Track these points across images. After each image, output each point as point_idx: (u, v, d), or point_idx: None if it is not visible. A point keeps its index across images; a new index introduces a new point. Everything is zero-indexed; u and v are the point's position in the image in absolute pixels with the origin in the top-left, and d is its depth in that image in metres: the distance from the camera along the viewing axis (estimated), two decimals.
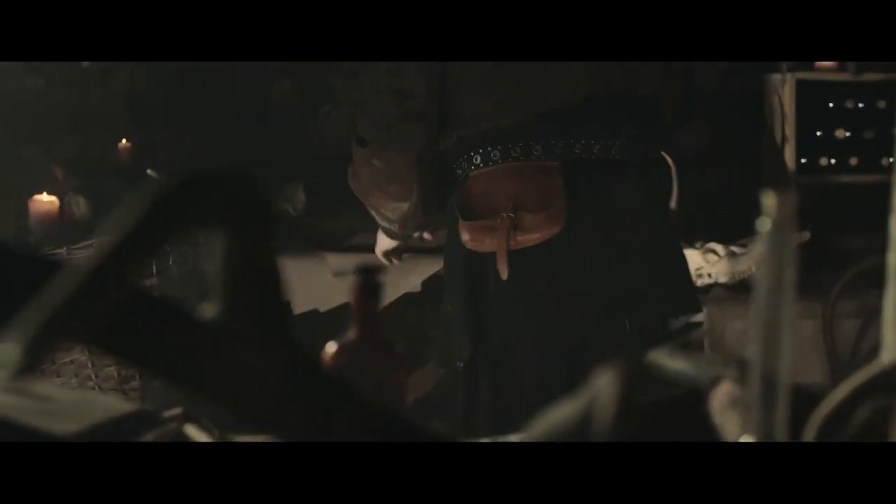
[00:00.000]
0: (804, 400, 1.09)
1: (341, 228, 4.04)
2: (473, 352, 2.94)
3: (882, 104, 3.92)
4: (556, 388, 1.64)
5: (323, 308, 3.76)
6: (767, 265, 0.94)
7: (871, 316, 3.65)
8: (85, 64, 4.27)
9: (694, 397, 1.13)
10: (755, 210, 1.03)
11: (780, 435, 0.97)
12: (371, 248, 3.86)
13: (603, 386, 0.94)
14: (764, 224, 0.94)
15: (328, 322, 3.74)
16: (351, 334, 1.38)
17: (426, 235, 3.26)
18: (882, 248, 1.23)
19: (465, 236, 2.95)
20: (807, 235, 3.83)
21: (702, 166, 4.04)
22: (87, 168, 4.10)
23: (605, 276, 2.93)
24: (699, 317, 3.49)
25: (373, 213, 3.19)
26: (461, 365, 2.97)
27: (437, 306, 3.26)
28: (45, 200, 3.90)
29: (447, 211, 3.04)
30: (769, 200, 0.93)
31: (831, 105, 4.02)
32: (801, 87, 4.01)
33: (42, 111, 4.20)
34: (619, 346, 2.84)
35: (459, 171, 3.03)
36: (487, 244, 2.92)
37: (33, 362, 0.71)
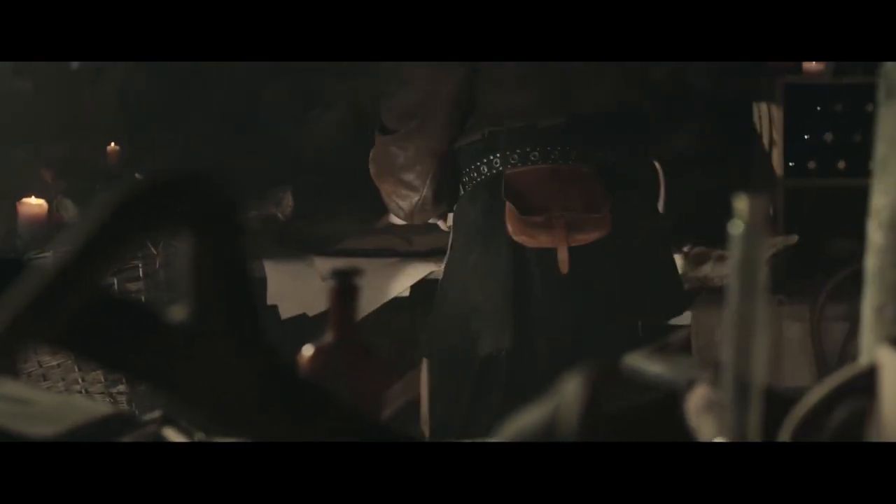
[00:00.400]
0: (780, 402, 1.10)
1: (330, 232, 4.04)
2: (516, 343, 2.96)
3: (870, 107, 3.92)
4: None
5: (311, 312, 3.76)
6: (740, 268, 0.94)
7: (860, 319, 3.65)
8: (74, 65, 4.27)
9: (671, 400, 1.13)
10: None
11: (754, 437, 0.98)
12: (360, 253, 3.87)
13: (568, 392, 0.95)
14: (736, 227, 0.95)
15: (316, 326, 3.73)
16: (328, 338, 1.38)
17: (440, 224, 3.32)
18: None
19: (516, 230, 2.98)
20: (795, 238, 3.84)
21: (690, 169, 4.05)
22: (75, 171, 4.10)
23: (631, 276, 3.01)
24: (684, 320, 3.51)
25: (385, 198, 3.23)
26: (501, 355, 2.98)
27: (426, 310, 3.26)
28: (34, 203, 3.89)
29: (479, 207, 3.05)
30: (741, 204, 0.94)
31: (819, 109, 4.03)
32: (790, 90, 4.02)
33: (31, 114, 4.20)
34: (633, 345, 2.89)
35: (486, 168, 3.05)
36: (542, 241, 2.97)
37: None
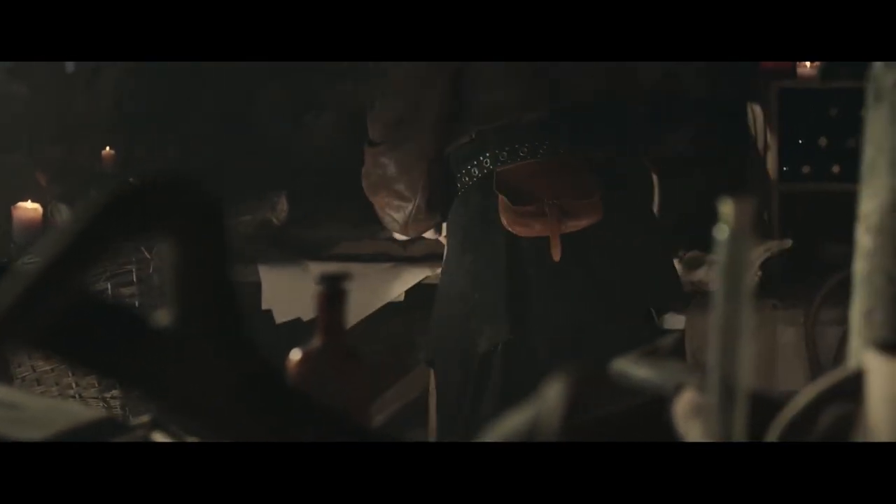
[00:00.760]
0: (768, 406, 1.10)
1: (325, 237, 4.05)
2: (514, 334, 2.96)
3: (864, 112, 3.91)
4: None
5: (306, 317, 3.75)
6: (725, 272, 0.94)
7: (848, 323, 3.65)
8: (70, 69, 4.27)
9: (658, 405, 1.13)
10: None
11: (740, 440, 0.98)
12: (354, 258, 3.86)
13: (549, 397, 0.95)
14: (721, 231, 0.95)
15: (311, 331, 3.73)
16: (316, 342, 1.38)
17: (439, 239, 3.33)
18: None
19: (510, 221, 2.98)
20: (789, 243, 3.84)
21: (685, 173, 4.06)
22: (71, 175, 4.10)
23: (627, 267, 3.02)
24: (678, 324, 3.51)
25: (379, 213, 3.24)
26: (498, 348, 2.98)
27: (421, 314, 3.27)
28: (29, 208, 3.90)
29: (472, 208, 3.06)
30: (726, 208, 0.94)
31: (813, 113, 4.03)
32: (784, 95, 4.02)
33: (26, 118, 4.20)
34: (639, 335, 2.91)
35: (477, 170, 3.06)
36: (536, 229, 2.98)
37: None
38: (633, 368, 1.18)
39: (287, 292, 3.79)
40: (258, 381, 0.89)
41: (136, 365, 0.85)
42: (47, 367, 3.37)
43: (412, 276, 3.83)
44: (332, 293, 1.35)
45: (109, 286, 3.47)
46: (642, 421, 1.13)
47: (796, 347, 3.72)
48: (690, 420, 1.09)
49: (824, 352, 3.72)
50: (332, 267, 3.68)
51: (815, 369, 3.69)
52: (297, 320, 3.76)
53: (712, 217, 0.95)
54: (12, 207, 3.89)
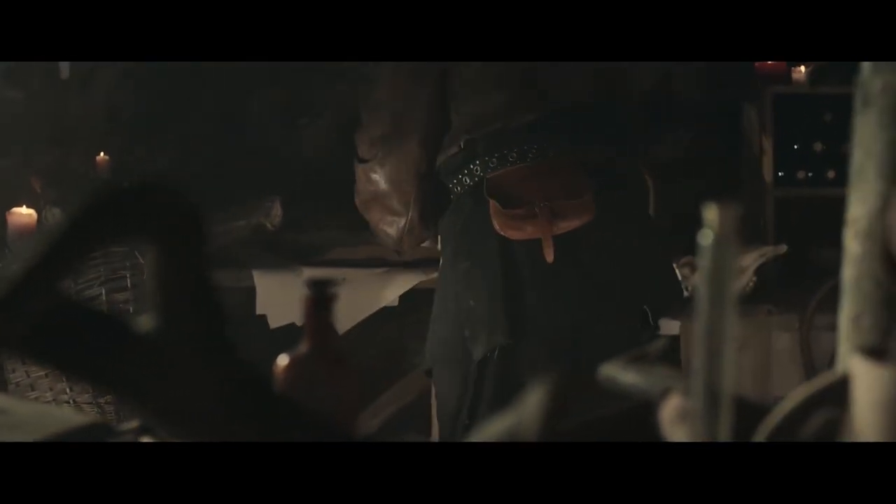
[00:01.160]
0: (754, 412, 1.10)
1: (319, 242, 4.04)
2: (510, 338, 2.96)
3: None
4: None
5: (301, 322, 3.75)
6: (709, 278, 0.94)
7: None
8: (64, 74, 4.27)
9: (645, 410, 1.13)
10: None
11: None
12: (348, 263, 3.87)
13: (530, 404, 0.94)
14: (706, 237, 0.95)
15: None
16: (303, 347, 1.38)
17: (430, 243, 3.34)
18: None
19: (502, 225, 2.98)
20: (784, 248, 3.84)
21: (680, 178, 4.06)
22: (65, 181, 4.09)
23: (622, 267, 3.02)
24: (673, 329, 3.51)
25: (373, 229, 3.25)
26: (495, 353, 2.98)
27: (415, 319, 3.27)
28: (24, 213, 3.89)
29: (464, 215, 3.06)
30: (710, 214, 0.94)
31: (808, 118, 4.03)
32: (779, 100, 4.02)
33: (20, 123, 4.20)
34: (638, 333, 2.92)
35: (468, 179, 3.06)
36: (528, 231, 2.98)
37: None
38: (621, 373, 1.18)
39: (281, 297, 3.79)
40: (242, 386, 0.88)
41: (118, 370, 0.85)
42: (41, 373, 3.36)
43: (406, 281, 3.83)
44: (320, 298, 1.35)
45: (104, 291, 3.47)
46: (629, 425, 1.13)
47: (791, 353, 3.71)
48: (676, 425, 1.09)
49: (819, 357, 3.72)
50: (326, 272, 3.68)
51: (811, 375, 3.69)
52: (292, 325, 3.76)
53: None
54: (7, 213, 3.88)
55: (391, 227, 3.20)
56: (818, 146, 4.02)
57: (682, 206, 3.80)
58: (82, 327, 0.82)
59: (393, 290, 3.85)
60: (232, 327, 0.86)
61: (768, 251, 3.80)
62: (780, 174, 4.04)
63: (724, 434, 0.96)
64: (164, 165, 4.29)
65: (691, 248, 3.59)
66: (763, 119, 4.05)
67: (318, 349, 1.36)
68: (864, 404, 1.01)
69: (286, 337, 3.71)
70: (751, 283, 3.75)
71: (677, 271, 3.76)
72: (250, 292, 3.84)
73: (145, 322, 0.85)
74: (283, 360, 1.38)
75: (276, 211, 4.01)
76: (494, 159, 3.04)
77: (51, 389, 3.41)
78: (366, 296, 3.79)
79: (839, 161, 3.98)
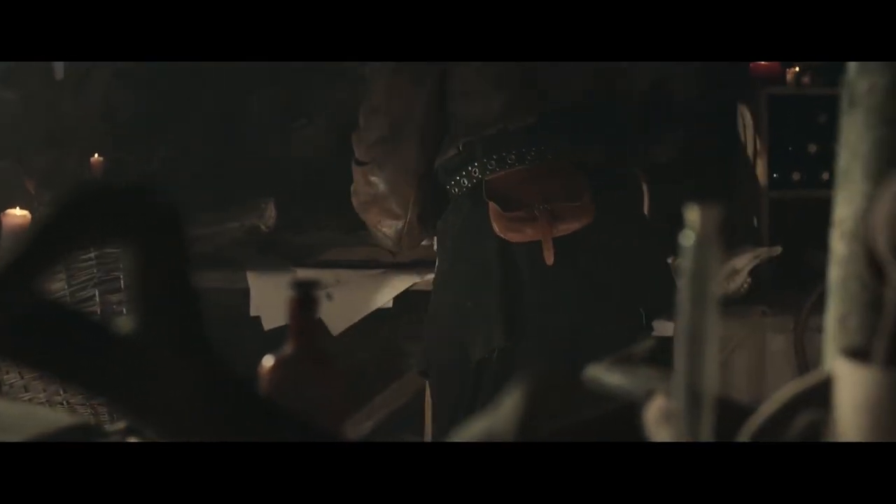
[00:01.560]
0: (736, 412, 1.09)
1: (314, 243, 4.05)
2: (509, 340, 2.96)
3: None
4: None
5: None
6: (691, 279, 0.94)
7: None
8: (59, 76, 4.27)
9: (629, 411, 1.13)
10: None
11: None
12: (343, 264, 3.87)
13: (504, 406, 0.94)
14: (687, 238, 0.94)
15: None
16: (288, 348, 1.38)
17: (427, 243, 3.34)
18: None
19: (502, 228, 2.98)
20: (778, 250, 3.84)
21: (673, 179, 4.06)
22: (59, 182, 4.10)
23: (621, 269, 3.02)
24: (667, 331, 3.51)
25: (371, 230, 3.25)
26: (494, 355, 2.98)
27: (410, 320, 3.26)
28: (18, 215, 3.89)
29: (462, 217, 3.06)
30: (692, 215, 0.94)
31: (803, 120, 4.03)
32: (773, 101, 4.02)
33: (14, 125, 4.20)
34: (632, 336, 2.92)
35: (466, 181, 3.06)
36: (528, 234, 2.98)
37: None
38: (606, 375, 1.18)
39: (275, 298, 3.78)
40: (222, 386, 0.88)
41: (98, 372, 0.85)
42: (35, 374, 3.36)
43: (401, 283, 3.83)
44: (304, 299, 1.35)
45: (97, 293, 3.47)
46: (613, 427, 1.13)
47: (786, 354, 3.71)
48: (661, 425, 1.09)
49: (814, 359, 3.72)
50: (321, 273, 3.68)
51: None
52: (286, 327, 3.76)
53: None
54: (1, 214, 3.88)
55: (389, 228, 3.20)
56: (812, 148, 4.02)
57: (677, 206, 3.80)
58: (61, 328, 0.82)
59: (388, 291, 3.85)
60: (224, 329, 0.85)
61: (763, 252, 3.80)
62: (774, 176, 4.04)
63: (707, 434, 0.95)
64: (157, 167, 4.29)
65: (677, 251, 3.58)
66: (758, 120, 4.04)
67: (303, 350, 1.36)
68: (848, 405, 1.01)
69: (280, 339, 3.71)
70: (745, 285, 3.75)
71: (673, 270, 3.77)
72: (244, 294, 3.84)
73: (124, 323, 0.85)
74: (268, 360, 1.38)
75: (271, 212, 4.01)
76: (493, 161, 3.03)
77: (44, 391, 3.40)
78: (361, 297, 3.79)
79: (833, 162, 3.98)
